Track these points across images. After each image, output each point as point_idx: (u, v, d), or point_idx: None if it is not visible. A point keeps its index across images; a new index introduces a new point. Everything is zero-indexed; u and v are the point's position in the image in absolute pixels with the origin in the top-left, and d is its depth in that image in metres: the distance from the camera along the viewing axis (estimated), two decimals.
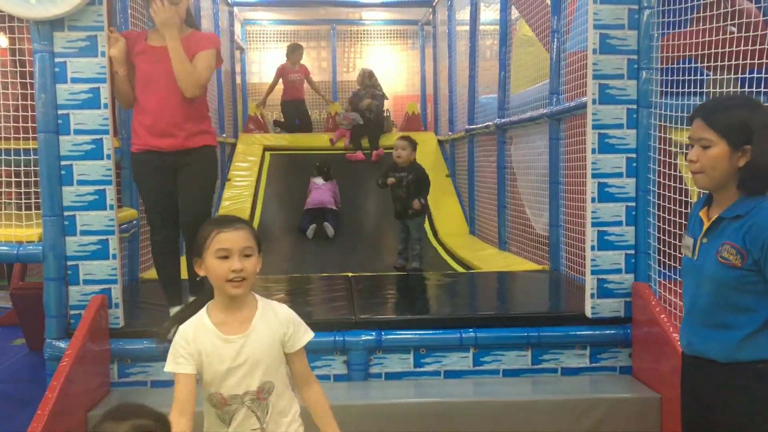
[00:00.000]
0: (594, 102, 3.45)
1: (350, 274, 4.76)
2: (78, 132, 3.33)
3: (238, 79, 9.84)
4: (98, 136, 3.33)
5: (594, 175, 3.48)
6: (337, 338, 3.45)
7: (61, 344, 3.30)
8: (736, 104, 2.10)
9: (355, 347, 3.45)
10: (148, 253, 4.95)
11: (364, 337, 3.46)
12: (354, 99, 8.93)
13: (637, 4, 3.41)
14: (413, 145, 5.69)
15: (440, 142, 8.95)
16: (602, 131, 3.46)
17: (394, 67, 10.83)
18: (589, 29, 3.45)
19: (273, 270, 5.69)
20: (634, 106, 3.46)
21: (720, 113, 2.07)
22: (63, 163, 3.33)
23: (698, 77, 3.22)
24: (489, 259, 5.67)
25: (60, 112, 3.31)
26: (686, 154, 2.19)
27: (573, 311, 3.65)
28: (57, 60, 3.29)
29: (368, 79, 8.95)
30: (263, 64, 10.70)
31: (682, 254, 2.28)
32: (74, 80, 3.31)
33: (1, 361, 5.55)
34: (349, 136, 8.77)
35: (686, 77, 3.26)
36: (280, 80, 9.34)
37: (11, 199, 3.80)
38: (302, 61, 9.53)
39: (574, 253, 4.46)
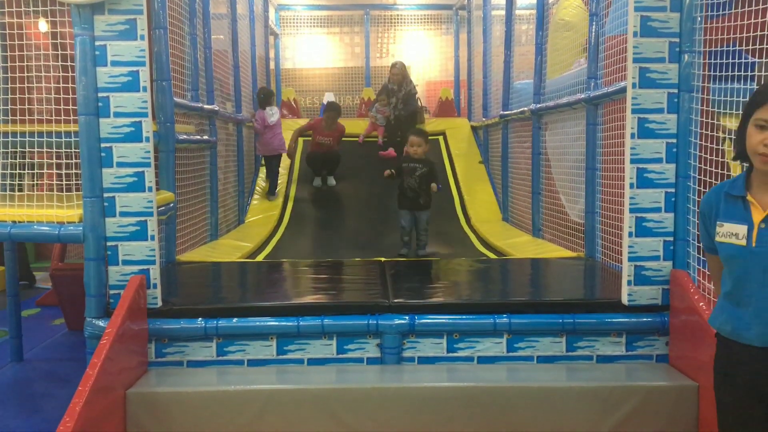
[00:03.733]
0: (634, 86, 3.39)
1: (383, 259, 4.77)
2: (117, 114, 3.37)
3: (272, 65, 9.90)
4: (137, 119, 3.37)
5: (633, 161, 3.42)
6: (370, 322, 3.47)
7: (101, 323, 3.36)
8: None
9: (388, 331, 3.46)
10: (184, 236, 5.04)
11: (397, 321, 3.47)
12: (387, 92, 8.54)
13: None
14: (427, 139, 5.70)
15: (473, 128, 8.90)
16: (642, 116, 3.40)
17: (427, 53, 10.78)
18: (630, 11, 3.38)
19: (303, 254, 5.73)
20: (675, 90, 3.39)
21: None
22: (103, 145, 3.38)
23: (745, 60, 3.13)
24: (522, 246, 5.63)
25: (100, 94, 3.36)
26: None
27: (609, 298, 3.61)
28: (97, 43, 3.33)
29: (404, 71, 8.45)
30: (297, 50, 10.74)
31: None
32: (114, 63, 3.35)
33: (41, 340, 5.69)
34: (382, 133, 8.58)
35: (733, 60, 3.18)
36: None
37: (52, 180, 3.87)
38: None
39: (611, 240, 4.40)
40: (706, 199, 2.29)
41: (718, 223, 2.20)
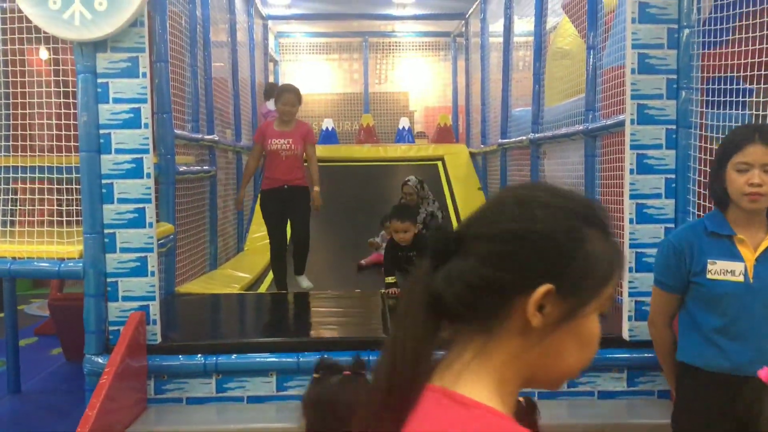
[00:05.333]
0: (632, 122, 3.41)
1: (383, 291, 4.75)
2: (119, 151, 3.39)
3: None
4: (138, 156, 3.39)
5: (632, 196, 3.43)
6: (371, 357, 3.43)
7: (100, 360, 3.35)
8: None
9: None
10: (183, 266, 5.03)
11: None
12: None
13: (677, 23, 3.37)
14: (415, 220, 4.79)
15: (472, 155, 8.93)
16: (640, 152, 3.42)
17: (426, 79, 10.87)
18: (627, 49, 3.41)
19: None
20: (674, 127, 3.41)
21: None
22: (104, 181, 3.39)
23: (740, 87, 3.15)
24: None
25: (102, 131, 3.38)
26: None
27: (610, 333, 3.58)
28: (99, 80, 3.36)
29: (421, 189, 6.55)
30: (296, 76, 10.81)
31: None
32: (116, 100, 3.37)
33: (39, 371, 5.65)
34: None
35: (730, 92, 3.20)
36: None
37: (52, 214, 3.87)
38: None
39: None
40: (682, 236, 2.36)
41: (709, 261, 2.27)
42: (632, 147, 3.43)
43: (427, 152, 9.04)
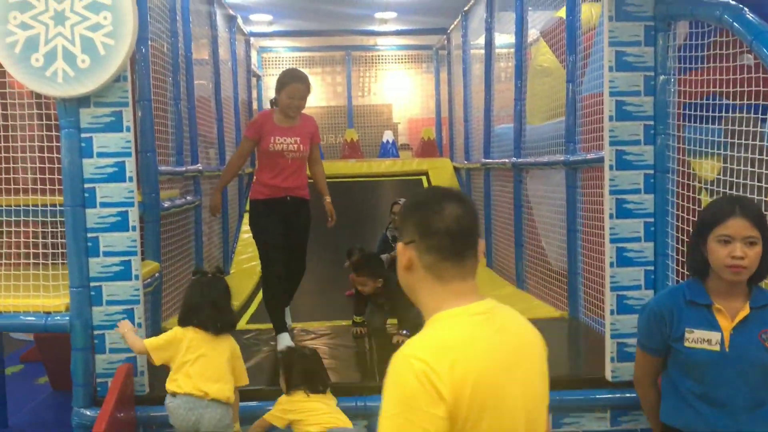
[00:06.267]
0: (611, 168, 3.47)
1: (352, 330, 4.73)
2: (104, 205, 3.39)
3: (255, 105, 9.95)
4: (124, 209, 3.40)
5: (612, 240, 3.49)
6: (358, 403, 3.49)
7: (89, 413, 3.37)
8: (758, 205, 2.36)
9: (377, 412, 3.47)
10: (169, 301, 5.04)
11: None
12: (385, 243, 6.43)
13: (653, 71, 3.43)
14: (373, 275, 4.49)
15: (456, 169, 8.98)
16: (620, 197, 3.48)
17: (409, 91, 10.90)
18: (605, 96, 3.47)
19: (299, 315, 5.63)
20: (652, 171, 3.48)
21: (761, 214, 2.28)
22: (89, 235, 3.40)
23: (718, 103, 3.19)
24: (507, 300, 5.52)
25: (86, 185, 3.38)
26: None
27: (593, 373, 3.66)
28: (83, 135, 3.36)
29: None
30: None
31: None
32: (100, 155, 3.37)
33: (26, 402, 5.64)
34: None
35: (707, 113, 3.23)
36: None
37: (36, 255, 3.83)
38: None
39: (594, 296, 4.44)
40: (663, 302, 2.45)
41: (687, 329, 2.34)
42: (611, 192, 3.49)
43: (411, 167, 9.08)
